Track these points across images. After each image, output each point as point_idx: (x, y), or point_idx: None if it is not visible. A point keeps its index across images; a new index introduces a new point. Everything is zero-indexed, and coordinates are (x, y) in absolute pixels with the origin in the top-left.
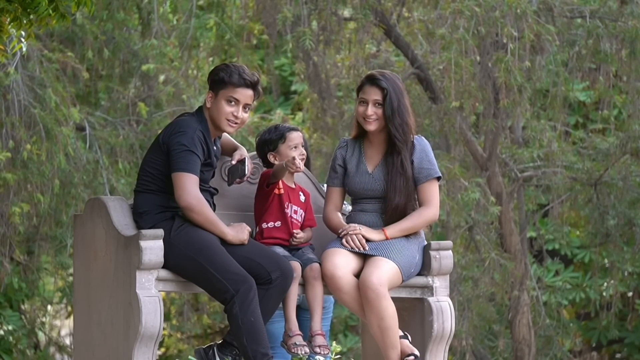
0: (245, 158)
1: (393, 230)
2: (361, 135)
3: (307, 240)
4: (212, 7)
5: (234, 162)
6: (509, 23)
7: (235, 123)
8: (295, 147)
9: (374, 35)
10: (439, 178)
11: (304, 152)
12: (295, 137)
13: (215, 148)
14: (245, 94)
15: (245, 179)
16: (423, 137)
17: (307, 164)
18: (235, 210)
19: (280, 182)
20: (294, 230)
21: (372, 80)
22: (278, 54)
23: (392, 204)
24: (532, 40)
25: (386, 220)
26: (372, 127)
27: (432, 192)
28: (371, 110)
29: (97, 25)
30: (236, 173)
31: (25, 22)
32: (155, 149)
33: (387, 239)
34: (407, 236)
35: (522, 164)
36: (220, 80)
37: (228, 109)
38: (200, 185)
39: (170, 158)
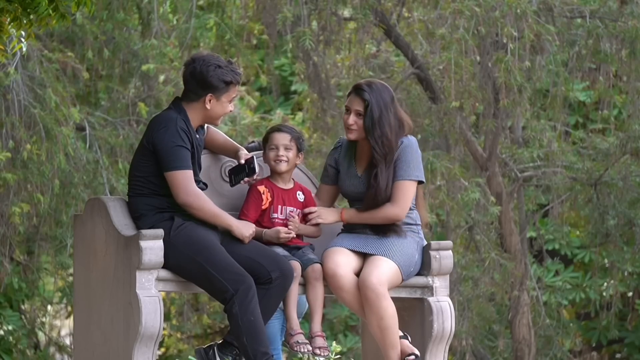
0: (253, 157)
1: (350, 214)
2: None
3: (314, 234)
4: (212, 7)
5: (242, 161)
6: (509, 23)
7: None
8: (274, 148)
9: (374, 35)
10: (420, 182)
11: (283, 155)
12: (275, 137)
13: (197, 137)
14: (237, 89)
15: (254, 177)
16: (412, 138)
17: None
18: (235, 210)
19: (265, 194)
20: (290, 222)
21: (356, 89)
22: (278, 54)
23: (362, 208)
24: (532, 40)
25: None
26: (352, 136)
27: (400, 192)
28: (352, 119)
29: (97, 25)
30: (244, 172)
31: (25, 22)
32: (142, 152)
33: (342, 219)
34: (405, 235)
35: (522, 164)
36: (226, 82)
37: (229, 108)
38: None
39: (159, 157)
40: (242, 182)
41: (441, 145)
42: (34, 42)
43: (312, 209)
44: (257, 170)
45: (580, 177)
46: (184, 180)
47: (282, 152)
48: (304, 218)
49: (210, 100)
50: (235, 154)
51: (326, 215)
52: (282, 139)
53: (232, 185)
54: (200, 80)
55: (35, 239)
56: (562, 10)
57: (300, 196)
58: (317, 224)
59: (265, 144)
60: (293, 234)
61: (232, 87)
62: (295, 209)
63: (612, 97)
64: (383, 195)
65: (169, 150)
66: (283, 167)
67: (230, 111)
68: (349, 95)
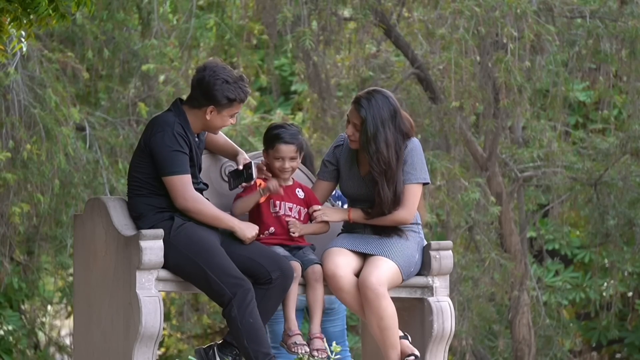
0: (251, 162)
1: (357, 214)
2: None
3: (321, 231)
4: (212, 7)
5: (240, 167)
6: (509, 23)
7: None
8: (281, 159)
9: (374, 35)
10: (425, 184)
11: (288, 167)
12: (282, 150)
13: (197, 140)
14: (241, 106)
15: (251, 182)
16: (416, 141)
17: (305, 164)
18: None
19: (262, 186)
20: (290, 221)
21: (356, 102)
22: (278, 54)
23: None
24: (532, 40)
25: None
26: (352, 146)
27: (408, 196)
28: (351, 130)
29: (97, 25)
30: (242, 177)
31: (25, 22)
32: (139, 153)
33: (349, 219)
34: (406, 235)
35: (522, 164)
36: (229, 99)
37: (229, 122)
38: None
39: (157, 162)
40: (239, 187)
41: (441, 145)
42: (34, 42)
43: (317, 207)
44: (254, 176)
45: (580, 177)
46: (181, 186)
47: (287, 164)
48: (310, 216)
49: (211, 112)
50: (234, 157)
51: (331, 214)
52: (289, 152)
53: (230, 189)
54: (205, 91)
55: (35, 239)
56: (562, 10)
57: (300, 193)
58: (323, 221)
59: (269, 147)
60: (292, 235)
61: (235, 104)
62: (294, 205)
63: (612, 97)
64: (390, 207)
65: (166, 155)
66: (287, 176)
67: (231, 123)
68: (352, 104)
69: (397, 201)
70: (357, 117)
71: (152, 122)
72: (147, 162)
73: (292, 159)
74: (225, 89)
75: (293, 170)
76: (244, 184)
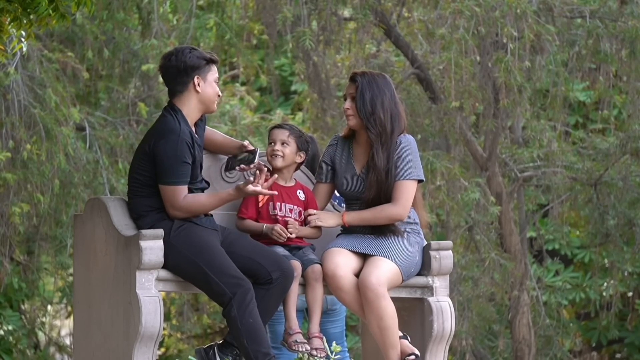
0: (257, 149)
1: (352, 216)
2: (352, 135)
3: (314, 236)
4: (212, 7)
5: (250, 148)
6: (509, 23)
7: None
8: (272, 143)
9: (374, 35)
10: (420, 181)
11: (279, 149)
12: (274, 133)
13: (197, 136)
14: (217, 70)
15: (250, 167)
16: (411, 137)
17: (313, 164)
18: (234, 210)
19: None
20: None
21: (351, 77)
22: (278, 54)
23: (365, 198)
24: (532, 40)
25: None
26: (350, 122)
27: (401, 192)
28: (348, 104)
29: (97, 25)
30: (244, 158)
31: (25, 22)
32: (142, 157)
33: (344, 223)
34: (405, 236)
35: (522, 164)
36: (205, 59)
37: (217, 89)
38: (189, 184)
39: (158, 167)
40: (237, 168)
41: (441, 145)
42: (34, 42)
43: (312, 211)
44: (255, 161)
45: (580, 177)
46: (173, 196)
47: (278, 146)
48: (304, 219)
49: (198, 83)
50: (238, 148)
51: (326, 218)
52: (280, 134)
53: (226, 169)
54: (183, 68)
55: (35, 239)
56: (562, 10)
57: (301, 195)
58: (317, 227)
59: (269, 139)
60: (289, 236)
61: (212, 66)
62: (295, 207)
63: (612, 97)
64: (383, 176)
65: (170, 164)
66: (278, 162)
67: (219, 96)
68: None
69: (389, 173)
70: (353, 86)
71: (159, 128)
72: (150, 166)
73: (284, 143)
74: (196, 54)
75: (287, 159)
76: (242, 166)
